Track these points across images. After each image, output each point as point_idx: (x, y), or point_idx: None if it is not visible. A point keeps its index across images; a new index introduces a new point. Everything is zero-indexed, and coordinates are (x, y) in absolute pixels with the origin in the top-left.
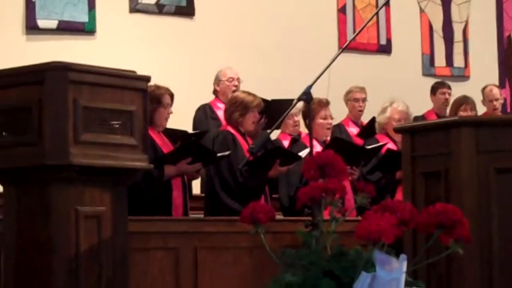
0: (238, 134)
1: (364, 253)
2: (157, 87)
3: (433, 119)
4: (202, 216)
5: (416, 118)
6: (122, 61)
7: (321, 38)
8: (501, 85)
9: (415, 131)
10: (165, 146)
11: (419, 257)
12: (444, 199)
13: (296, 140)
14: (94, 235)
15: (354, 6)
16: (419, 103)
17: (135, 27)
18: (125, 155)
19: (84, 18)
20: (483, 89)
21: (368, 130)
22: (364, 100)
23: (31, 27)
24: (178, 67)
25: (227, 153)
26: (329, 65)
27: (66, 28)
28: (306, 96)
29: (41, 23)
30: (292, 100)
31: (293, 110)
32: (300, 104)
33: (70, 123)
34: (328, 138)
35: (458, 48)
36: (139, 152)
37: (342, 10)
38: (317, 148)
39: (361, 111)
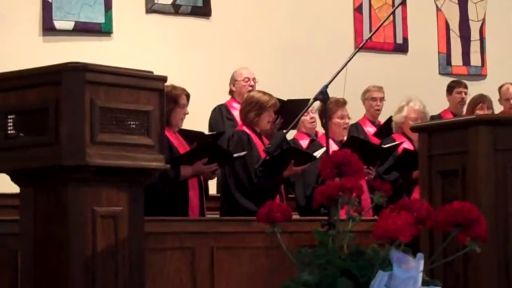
0: (254, 134)
1: (381, 252)
2: (174, 87)
3: (449, 118)
4: (218, 216)
5: (432, 117)
6: (139, 62)
7: (338, 38)
8: None
9: (432, 130)
10: (181, 146)
11: (436, 256)
12: (461, 197)
13: (313, 141)
14: (110, 235)
15: (370, 5)
16: (435, 102)
17: (152, 27)
18: (141, 156)
19: (100, 19)
20: (500, 88)
21: (385, 129)
22: (382, 99)
23: (48, 28)
24: (194, 67)
25: (243, 153)
26: (346, 64)
27: (83, 29)
28: (323, 95)
29: (58, 24)
30: (308, 100)
31: (310, 109)
32: (317, 104)
33: (87, 124)
34: (345, 138)
35: (474, 46)
36: (156, 152)
37: (358, 9)
38: (334, 147)
39: (379, 110)
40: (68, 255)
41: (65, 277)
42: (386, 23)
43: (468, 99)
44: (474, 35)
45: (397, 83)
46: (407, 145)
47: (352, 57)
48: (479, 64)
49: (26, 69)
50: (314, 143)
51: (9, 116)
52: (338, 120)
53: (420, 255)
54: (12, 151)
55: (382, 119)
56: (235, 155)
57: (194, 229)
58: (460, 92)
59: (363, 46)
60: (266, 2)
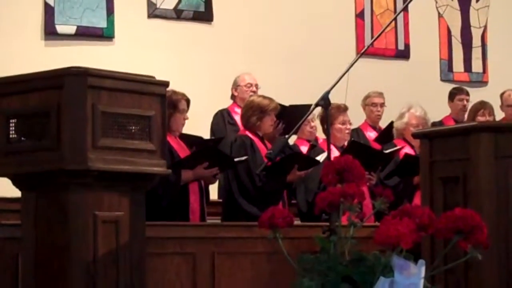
0: (257, 138)
1: (383, 258)
2: (174, 92)
3: (451, 124)
4: (219, 221)
5: (434, 124)
6: (141, 67)
7: (339, 44)
8: None
9: (433, 136)
10: (182, 151)
11: (437, 263)
12: (462, 204)
13: (314, 146)
14: (112, 240)
15: (372, 11)
16: (436, 108)
17: (154, 32)
18: (143, 160)
19: (102, 23)
20: (502, 95)
21: (386, 135)
22: (382, 105)
23: (50, 33)
24: (196, 72)
25: (244, 158)
26: (347, 70)
27: (85, 34)
28: (324, 101)
29: (60, 28)
30: (310, 105)
31: (311, 116)
32: (318, 110)
33: (89, 128)
34: (346, 144)
35: (476, 53)
36: (157, 157)
37: (360, 15)
38: (335, 153)
39: (379, 116)
40: (69, 259)
41: (66, 281)
42: (387, 29)
43: (469, 106)
44: (476, 41)
45: (399, 89)
46: (408, 151)
47: (354, 63)
48: (481, 70)
49: (28, 74)
50: (315, 149)
51: (11, 120)
52: (340, 126)
53: (421, 261)
54: (14, 155)
55: (382, 124)
56: (236, 159)
57: (195, 234)
58: (461, 99)
59: (364, 52)
60: (268, 7)
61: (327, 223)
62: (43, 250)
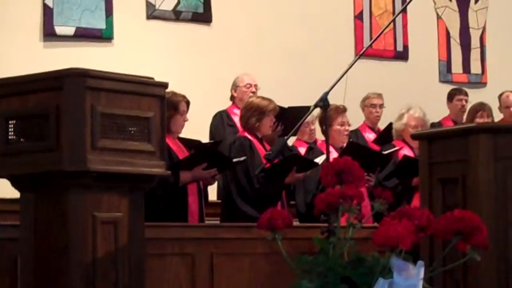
0: (256, 139)
1: (382, 259)
2: (174, 94)
3: (450, 125)
4: (218, 222)
5: (433, 125)
6: (139, 68)
7: (338, 45)
8: None
9: (432, 138)
10: (181, 152)
11: (436, 264)
12: (461, 206)
13: (312, 148)
14: (111, 241)
15: (371, 12)
16: (435, 109)
17: (152, 33)
18: (142, 162)
19: (101, 25)
20: (500, 96)
21: (385, 136)
22: (381, 106)
23: (49, 34)
24: (195, 74)
25: (242, 158)
26: (346, 71)
27: (84, 35)
28: (323, 102)
29: (59, 30)
30: (309, 107)
31: (310, 117)
32: (317, 111)
33: (88, 130)
34: (345, 145)
35: (475, 54)
36: (157, 158)
37: (358, 17)
38: (334, 154)
39: (378, 117)
40: (68, 260)
41: (65, 282)
42: (386, 30)
43: (468, 106)
44: (475, 43)
45: (398, 90)
46: (407, 152)
47: (353, 64)
48: (479, 72)
49: (27, 75)
50: (314, 150)
51: (10, 121)
52: (339, 127)
53: (420, 262)
54: (13, 157)
55: (382, 126)
56: (234, 160)
57: (194, 235)
58: (460, 100)
59: (363, 53)
60: (267, 9)
61: (326, 224)
62: (42, 251)
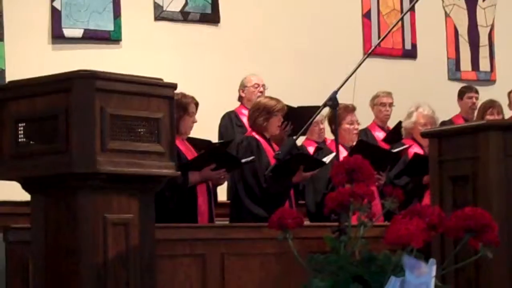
0: (263, 139)
1: (393, 257)
2: (184, 95)
3: (461, 123)
4: (227, 222)
5: (444, 123)
6: (148, 69)
7: (346, 44)
8: None
9: (442, 136)
10: (189, 153)
11: (447, 262)
12: (472, 203)
13: (320, 149)
14: (121, 243)
15: (378, 11)
16: (445, 107)
17: (161, 35)
18: (152, 163)
19: (109, 26)
20: (510, 93)
21: (394, 134)
22: (391, 105)
23: (57, 36)
24: (204, 74)
25: (250, 158)
26: (355, 70)
27: (92, 37)
28: (332, 101)
29: (67, 32)
30: (318, 107)
31: (319, 116)
32: (326, 110)
33: (97, 131)
34: (354, 143)
35: (483, 52)
36: (166, 159)
37: (366, 16)
38: (343, 153)
39: (388, 116)
40: (79, 262)
41: (76, 284)
42: (394, 29)
43: (478, 104)
44: (483, 40)
45: (406, 88)
46: (417, 150)
47: (361, 63)
48: (488, 69)
49: (36, 77)
50: (323, 150)
51: (19, 124)
52: (348, 126)
53: (432, 260)
54: (23, 159)
55: (391, 124)
56: (243, 160)
57: (205, 235)
58: (471, 97)
59: (372, 52)
60: (274, 9)
61: (337, 223)
62: (52, 253)
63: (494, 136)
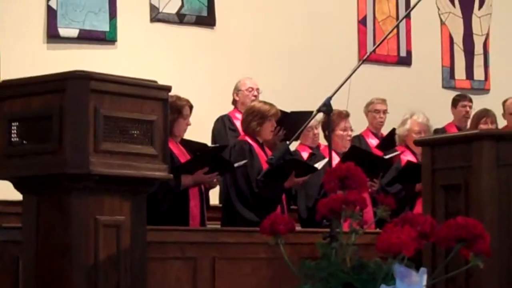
0: (256, 144)
1: (384, 265)
2: (178, 98)
3: (454, 131)
4: (219, 226)
5: (437, 131)
6: (143, 71)
7: (341, 50)
8: None
9: (435, 144)
10: (183, 156)
11: (438, 271)
12: (464, 212)
13: (314, 155)
14: (113, 244)
15: (374, 18)
16: (438, 115)
17: (156, 36)
18: (145, 165)
19: (105, 27)
20: (504, 102)
21: (388, 141)
22: (385, 112)
23: (52, 36)
24: (198, 77)
25: (243, 162)
26: (349, 76)
27: (87, 37)
28: (326, 107)
29: (62, 31)
30: (311, 112)
31: (313, 122)
32: (320, 116)
33: (91, 132)
34: (347, 150)
35: (478, 61)
36: (159, 161)
37: (362, 22)
38: (336, 160)
39: (382, 122)
40: (70, 263)
41: (67, 285)
42: (390, 35)
43: (472, 113)
44: (478, 49)
45: (400, 95)
46: (410, 158)
47: (356, 69)
48: (483, 78)
49: (30, 77)
50: (316, 155)
51: (13, 123)
52: (341, 132)
53: (423, 269)
54: (16, 159)
55: (384, 131)
56: (235, 164)
57: (196, 239)
58: (464, 106)
59: (367, 58)
60: (270, 13)
61: (328, 229)
62: (44, 253)
63: (487, 146)
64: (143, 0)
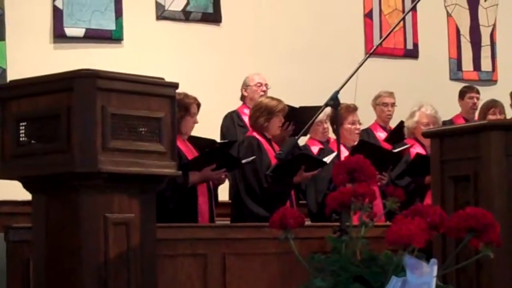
0: (264, 139)
1: (394, 257)
2: (186, 95)
3: (461, 123)
4: (228, 222)
5: (444, 123)
6: (149, 69)
7: (348, 44)
8: None
9: (444, 135)
10: (190, 153)
11: (449, 262)
12: (473, 203)
13: (322, 149)
14: (122, 242)
15: (380, 11)
16: (446, 107)
17: (162, 34)
18: (153, 162)
19: (111, 26)
20: (511, 93)
21: (396, 134)
22: (393, 105)
23: (59, 35)
24: (205, 74)
25: (251, 158)
26: (356, 70)
27: (94, 36)
28: (334, 101)
29: (69, 31)
30: (319, 107)
31: (321, 116)
32: (328, 110)
33: (99, 131)
34: (356, 143)
35: (485, 52)
36: (167, 159)
37: (368, 15)
38: (345, 153)
39: (390, 115)
40: (80, 262)
41: (77, 284)
42: (396, 29)
43: (479, 104)
44: (485, 40)
45: (408, 88)
46: (419, 150)
47: (363, 62)
48: (490, 69)
49: (37, 76)
50: (325, 149)
51: (21, 123)
52: (349, 126)
53: (433, 260)
54: (24, 158)
55: (393, 124)
56: (243, 160)
57: (206, 235)
58: (472, 97)
59: (373, 52)
60: (276, 8)
61: (338, 223)
62: (54, 253)
63: (496, 136)
64: None
